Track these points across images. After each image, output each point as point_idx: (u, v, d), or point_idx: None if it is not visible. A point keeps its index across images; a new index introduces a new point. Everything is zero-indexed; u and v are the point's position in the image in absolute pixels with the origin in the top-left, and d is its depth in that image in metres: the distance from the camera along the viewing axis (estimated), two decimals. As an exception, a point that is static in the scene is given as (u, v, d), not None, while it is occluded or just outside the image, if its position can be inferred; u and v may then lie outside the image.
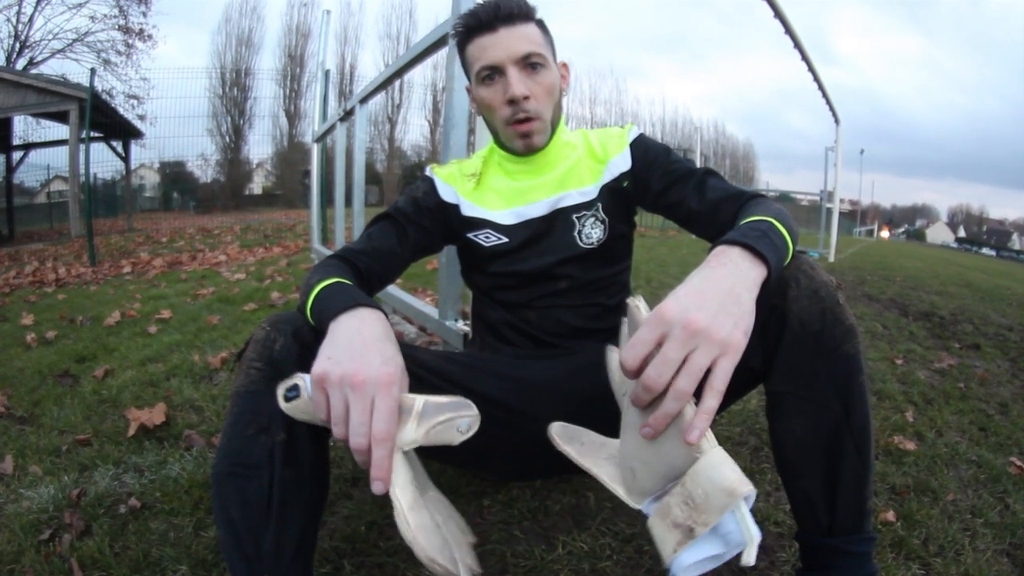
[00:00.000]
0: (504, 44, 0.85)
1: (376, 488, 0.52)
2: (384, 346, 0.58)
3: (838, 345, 0.63)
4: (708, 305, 0.51)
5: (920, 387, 1.87)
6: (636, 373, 0.51)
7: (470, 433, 0.56)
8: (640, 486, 0.54)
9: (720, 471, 0.47)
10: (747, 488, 0.46)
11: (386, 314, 0.64)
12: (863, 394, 0.64)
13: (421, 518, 0.51)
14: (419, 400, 0.55)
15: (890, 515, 1.06)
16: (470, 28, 0.87)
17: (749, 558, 0.45)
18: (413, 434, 0.54)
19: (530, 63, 0.86)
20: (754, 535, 0.45)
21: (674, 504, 0.49)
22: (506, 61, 0.85)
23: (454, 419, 0.55)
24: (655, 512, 0.51)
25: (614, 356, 0.64)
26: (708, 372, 0.50)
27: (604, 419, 0.71)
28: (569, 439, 0.63)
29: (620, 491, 0.56)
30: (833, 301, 0.63)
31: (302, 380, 0.58)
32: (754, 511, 0.47)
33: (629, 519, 1.05)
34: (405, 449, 0.54)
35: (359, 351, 0.56)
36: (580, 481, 1.17)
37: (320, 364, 0.55)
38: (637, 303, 0.56)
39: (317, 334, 0.67)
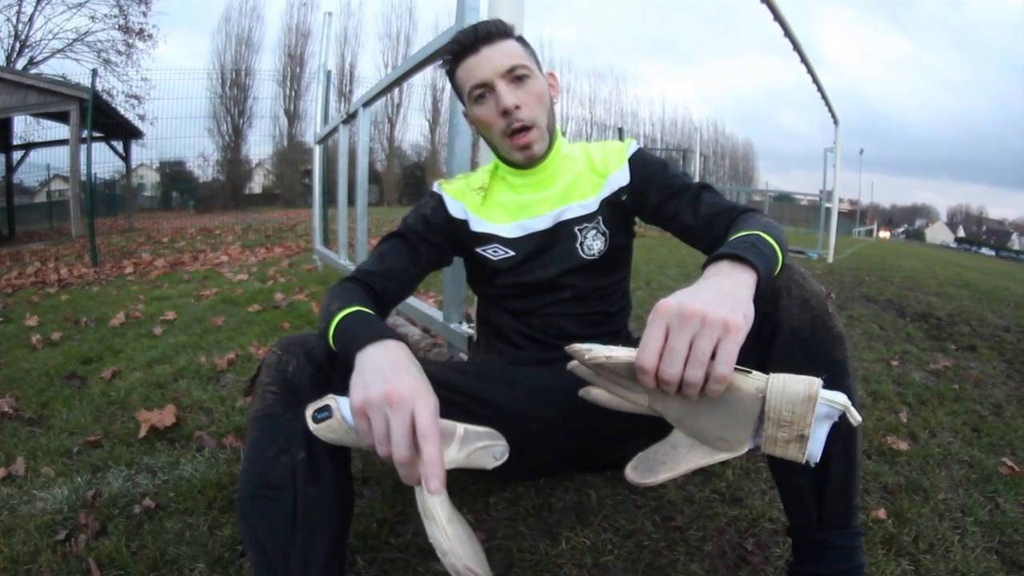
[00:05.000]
0: (488, 61, 0.89)
1: (433, 486, 0.53)
2: (411, 368, 0.60)
3: (827, 351, 0.66)
4: (703, 296, 0.54)
5: (915, 388, 1.89)
6: (656, 369, 0.53)
7: (502, 461, 0.63)
8: (736, 441, 0.57)
9: (789, 391, 0.52)
10: (817, 384, 0.52)
11: (408, 344, 0.66)
12: (850, 398, 0.67)
13: (457, 530, 0.55)
14: (460, 427, 0.61)
15: (881, 513, 1.09)
16: (455, 54, 0.92)
17: (855, 418, 0.54)
18: (455, 455, 0.60)
19: (516, 75, 0.90)
20: (844, 403, 0.53)
21: (774, 432, 0.54)
22: (493, 76, 0.89)
23: (491, 447, 0.62)
24: (764, 446, 0.56)
25: (600, 394, 0.62)
26: (713, 358, 0.52)
27: (606, 421, 0.74)
28: (651, 471, 0.60)
29: (722, 456, 0.59)
30: (823, 310, 0.67)
31: (334, 401, 0.59)
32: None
33: (630, 516, 1.08)
34: (446, 468, 0.58)
35: (390, 373, 0.58)
36: (582, 479, 1.20)
37: (357, 393, 0.57)
38: (583, 352, 0.57)
39: (329, 355, 0.69)
